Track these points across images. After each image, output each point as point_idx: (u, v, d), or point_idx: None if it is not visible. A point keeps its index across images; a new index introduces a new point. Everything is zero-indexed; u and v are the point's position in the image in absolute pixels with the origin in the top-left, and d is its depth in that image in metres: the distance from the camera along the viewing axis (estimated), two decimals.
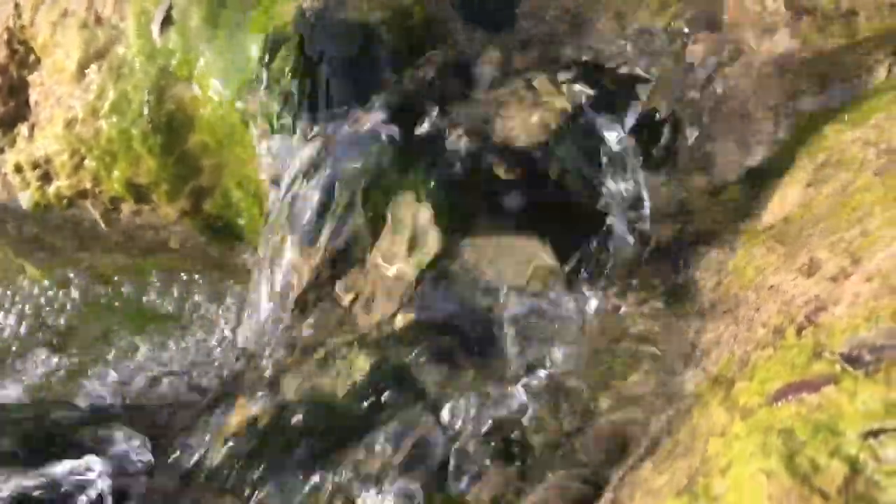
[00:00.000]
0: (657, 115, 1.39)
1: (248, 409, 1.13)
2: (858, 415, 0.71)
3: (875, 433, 0.69)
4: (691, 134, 1.40)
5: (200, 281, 1.45)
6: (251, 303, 1.23)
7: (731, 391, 0.88)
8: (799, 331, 0.87)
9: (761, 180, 1.30)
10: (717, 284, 1.13)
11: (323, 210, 1.20)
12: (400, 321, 1.22)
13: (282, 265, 1.19)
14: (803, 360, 0.81)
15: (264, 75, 1.38)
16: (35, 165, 1.50)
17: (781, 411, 0.77)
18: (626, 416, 1.04)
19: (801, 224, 1.11)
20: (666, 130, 1.39)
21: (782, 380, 0.81)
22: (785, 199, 1.20)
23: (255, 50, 1.39)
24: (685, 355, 1.04)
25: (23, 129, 1.54)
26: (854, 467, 0.69)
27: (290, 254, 1.19)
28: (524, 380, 1.04)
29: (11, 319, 1.39)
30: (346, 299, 1.28)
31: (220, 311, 1.37)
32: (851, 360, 0.75)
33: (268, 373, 1.17)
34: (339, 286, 1.21)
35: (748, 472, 0.73)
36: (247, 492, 1.06)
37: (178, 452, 1.14)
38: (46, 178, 1.51)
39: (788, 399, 0.78)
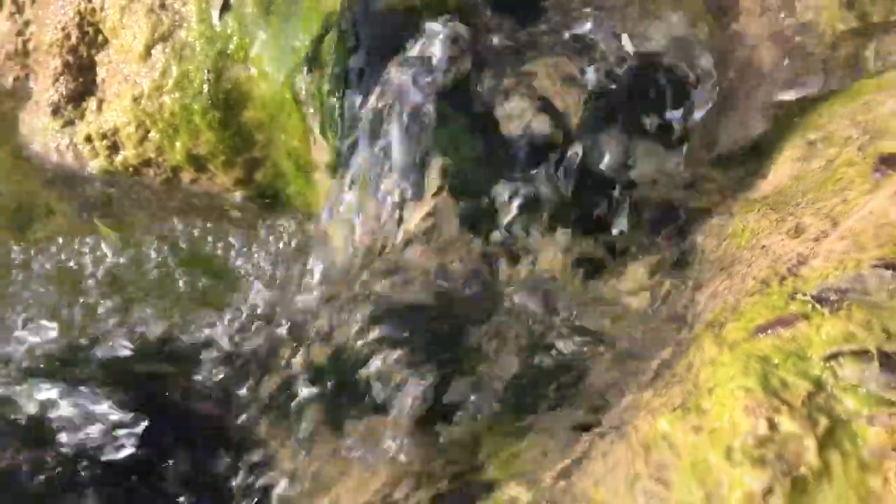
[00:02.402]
0: (674, 97, 1.53)
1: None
2: (822, 343, 0.86)
3: (835, 356, 0.83)
4: (702, 113, 1.54)
5: (254, 239, 1.61)
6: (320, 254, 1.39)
7: (722, 331, 1.02)
8: (781, 280, 1.02)
9: (760, 155, 1.44)
10: (717, 246, 1.28)
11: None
12: None
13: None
14: (782, 303, 0.95)
15: (313, 58, 1.54)
16: (104, 136, 1.67)
17: (761, 342, 0.91)
18: (631, 355, 1.19)
19: (792, 194, 1.25)
20: (681, 110, 1.53)
21: (763, 318, 0.95)
22: (779, 171, 1.34)
23: (305, 35, 1.54)
24: (688, 306, 1.19)
25: (91, 103, 1.70)
26: (817, 384, 0.84)
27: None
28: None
29: (90, 280, 1.56)
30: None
31: (278, 265, 1.54)
32: (820, 300, 0.90)
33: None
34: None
35: (729, 390, 0.88)
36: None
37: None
38: (114, 148, 1.68)
39: (767, 333, 0.92)
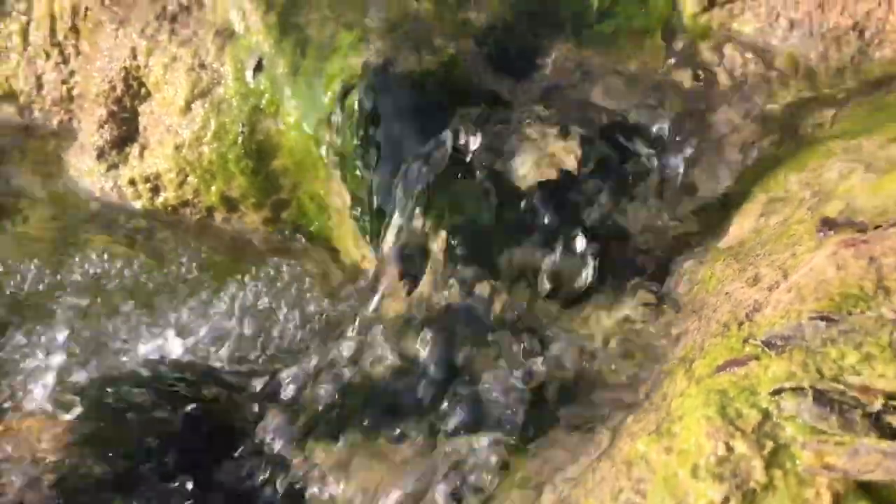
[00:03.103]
0: (651, 155, 1.74)
1: None
2: (769, 380, 1.06)
3: (778, 391, 1.04)
4: (677, 168, 1.75)
5: (282, 271, 1.81)
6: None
7: (691, 367, 1.23)
8: (739, 325, 1.22)
9: (728, 209, 1.65)
10: (689, 290, 1.48)
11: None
12: None
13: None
14: (738, 345, 1.16)
15: (337, 114, 1.73)
16: (147, 180, 1.86)
17: (721, 379, 1.12)
18: (619, 386, 1.39)
19: (752, 246, 1.46)
20: (658, 165, 1.74)
21: (723, 358, 1.15)
22: (742, 225, 1.55)
23: (329, 94, 1.74)
24: (664, 344, 1.39)
25: (134, 149, 1.89)
26: (764, 414, 1.04)
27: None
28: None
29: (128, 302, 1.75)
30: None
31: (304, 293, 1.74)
32: (768, 344, 1.10)
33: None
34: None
35: (695, 418, 1.08)
36: None
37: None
38: (156, 190, 1.87)
39: (726, 371, 1.13)
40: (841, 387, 1.02)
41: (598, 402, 1.40)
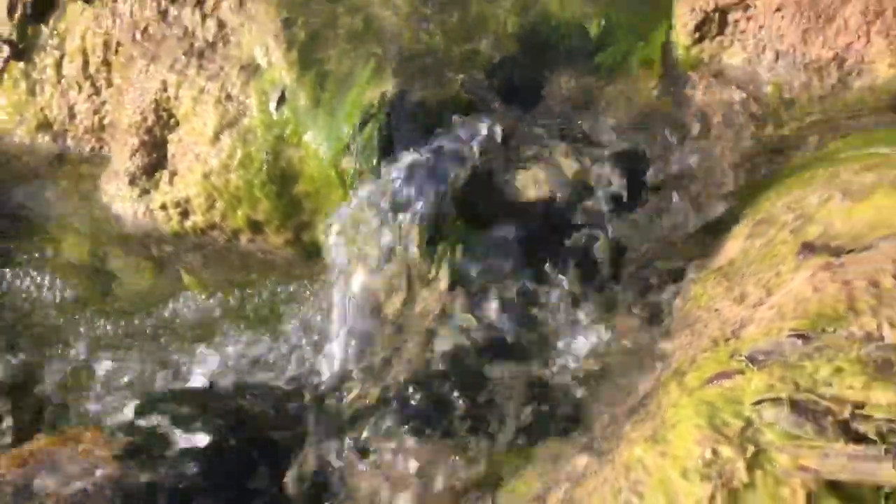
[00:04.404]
0: (650, 179, 1.87)
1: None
2: (752, 392, 1.19)
3: (760, 402, 1.17)
4: (675, 190, 1.88)
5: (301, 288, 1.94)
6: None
7: (684, 379, 1.35)
8: (726, 341, 1.35)
9: (720, 231, 1.77)
10: (683, 306, 1.61)
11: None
12: None
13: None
14: (725, 360, 1.28)
15: (355, 143, 1.86)
16: (177, 205, 1.99)
17: (710, 390, 1.25)
18: (620, 393, 1.52)
19: (740, 266, 1.59)
20: (657, 188, 1.87)
21: (712, 371, 1.28)
22: (732, 246, 1.68)
23: (348, 124, 1.87)
24: (661, 357, 1.52)
25: (164, 175, 2.02)
26: (747, 422, 1.17)
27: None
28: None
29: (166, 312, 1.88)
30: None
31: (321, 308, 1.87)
32: (751, 359, 1.23)
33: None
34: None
35: (686, 426, 1.20)
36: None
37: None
38: (185, 214, 1.99)
39: (714, 383, 1.25)
40: (815, 397, 1.15)
41: (600, 408, 1.53)
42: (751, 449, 1.15)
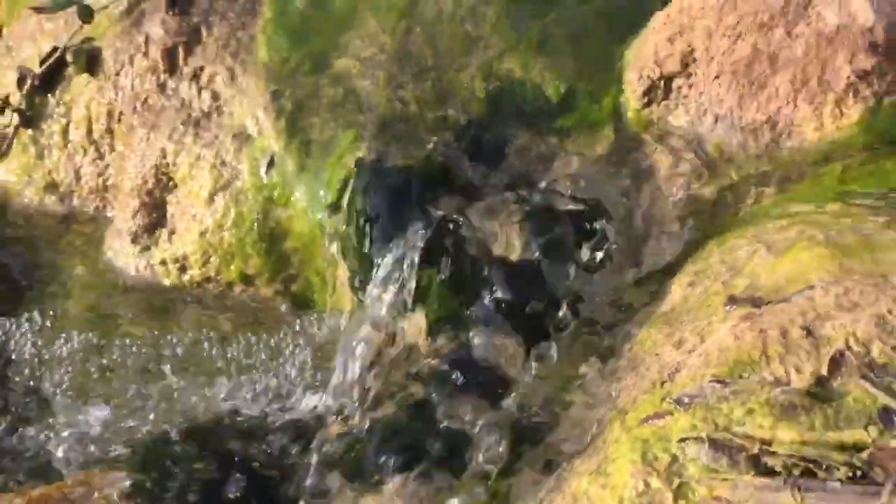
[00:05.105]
0: (601, 229, 2.07)
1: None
2: (678, 431, 1.38)
3: (684, 440, 1.35)
4: (627, 242, 2.07)
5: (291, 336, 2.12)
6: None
7: (625, 418, 1.54)
8: (662, 384, 1.54)
9: (666, 278, 1.96)
10: (629, 350, 1.79)
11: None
12: None
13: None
14: (659, 402, 1.47)
15: (337, 204, 2.05)
16: (176, 260, 2.18)
17: (645, 429, 1.43)
18: (573, 430, 1.70)
19: (681, 313, 1.77)
20: (606, 239, 2.06)
21: (648, 412, 1.47)
22: (675, 294, 1.86)
23: (329, 187, 2.06)
24: (607, 398, 1.70)
25: (163, 233, 2.21)
26: (674, 458, 1.35)
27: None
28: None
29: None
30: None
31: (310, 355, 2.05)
32: (679, 402, 1.42)
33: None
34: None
35: (624, 461, 1.39)
36: None
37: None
38: (183, 268, 2.18)
39: (649, 423, 1.44)
40: (730, 436, 1.34)
41: (556, 444, 1.72)
42: (676, 481, 1.33)
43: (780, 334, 1.45)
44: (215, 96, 2.19)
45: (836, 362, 1.37)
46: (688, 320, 1.72)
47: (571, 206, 2.06)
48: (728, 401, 1.39)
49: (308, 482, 1.69)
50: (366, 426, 1.82)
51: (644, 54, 2.12)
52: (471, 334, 1.90)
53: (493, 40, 2.25)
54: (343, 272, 2.07)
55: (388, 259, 2.00)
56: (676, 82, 2.11)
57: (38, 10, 2.32)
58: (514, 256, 2.00)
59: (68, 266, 2.29)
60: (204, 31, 2.24)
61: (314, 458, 1.75)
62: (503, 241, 2.03)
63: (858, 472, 1.26)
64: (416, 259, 1.97)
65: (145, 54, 2.25)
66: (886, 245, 1.63)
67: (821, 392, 1.36)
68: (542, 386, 1.82)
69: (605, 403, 1.69)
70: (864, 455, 1.25)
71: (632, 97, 2.16)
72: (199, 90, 2.20)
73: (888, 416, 1.29)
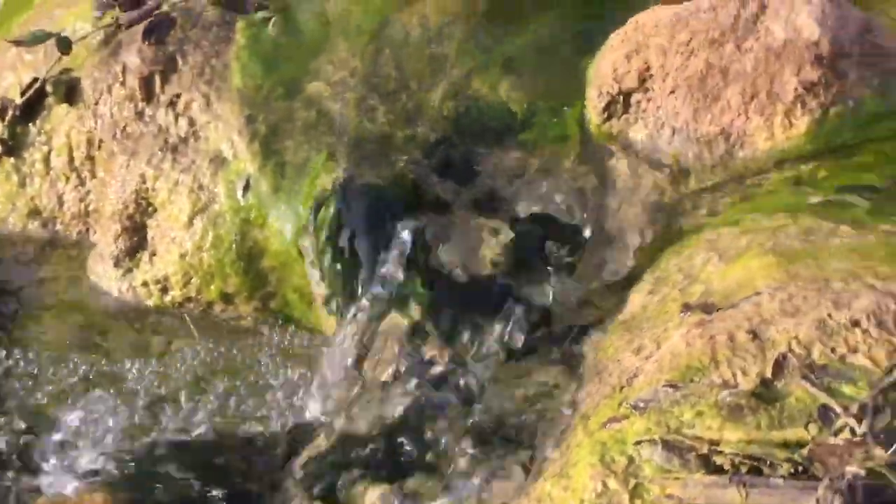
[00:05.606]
0: (568, 239, 2.15)
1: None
2: (634, 434, 1.46)
3: (639, 442, 1.44)
4: (591, 252, 2.16)
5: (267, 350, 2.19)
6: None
7: (588, 422, 1.62)
8: (621, 389, 1.62)
9: (629, 286, 2.05)
10: (594, 357, 1.88)
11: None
12: None
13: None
14: (617, 406, 1.55)
15: (311, 224, 2.13)
16: (157, 282, 2.24)
17: (604, 433, 1.52)
18: (540, 435, 1.79)
19: (641, 320, 1.86)
20: (573, 248, 2.15)
21: (607, 416, 1.55)
22: (636, 301, 1.95)
23: (304, 208, 2.14)
24: (572, 403, 1.79)
25: (145, 256, 2.28)
26: (630, 459, 1.44)
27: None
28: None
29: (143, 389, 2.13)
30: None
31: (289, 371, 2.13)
32: (635, 407, 1.50)
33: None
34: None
35: (584, 464, 1.47)
36: None
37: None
38: (164, 290, 2.25)
39: (608, 427, 1.52)
40: (681, 437, 1.42)
41: (527, 450, 1.80)
42: (633, 482, 1.42)
43: (729, 339, 1.54)
44: (192, 122, 2.26)
45: (780, 364, 1.46)
46: (647, 327, 1.81)
47: (539, 217, 2.15)
48: (680, 404, 1.47)
49: (287, 499, 1.77)
50: (343, 440, 1.90)
51: (603, 71, 2.21)
52: (445, 343, 1.99)
53: (460, 60, 2.33)
54: (320, 289, 2.14)
55: (364, 275, 2.09)
56: (635, 97, 2.20)
57: (17, 43, 2.38)
58: (485, 267, 2.09)
59: (53, 291, 2.35)
60: (179, 60, 2.31)
61: (294, 475, 1.83)
62: (474, 252, 2.11)
63: (800, 468, 1.35)
64: (392, 274, 2.06)
65: (123, 83, 2.32)
66: (830, 251, 1.72)
67: (765, 393, 1.45)
68: (513, 392, 1.91)
69: (572, 409, 1.78)
70: (805, 452, 1.35)
71: (593, 112, 2.24)
72: (176, 117, 2.27)
73: (826, 414, 1.38)
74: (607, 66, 2.22)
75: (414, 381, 1.96)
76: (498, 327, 2.01)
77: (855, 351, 1.45)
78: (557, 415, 1.80)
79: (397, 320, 1.98)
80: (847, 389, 1.41)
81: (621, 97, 2.22)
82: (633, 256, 2.08)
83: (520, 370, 1.97)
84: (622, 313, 1.94)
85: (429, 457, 1.85)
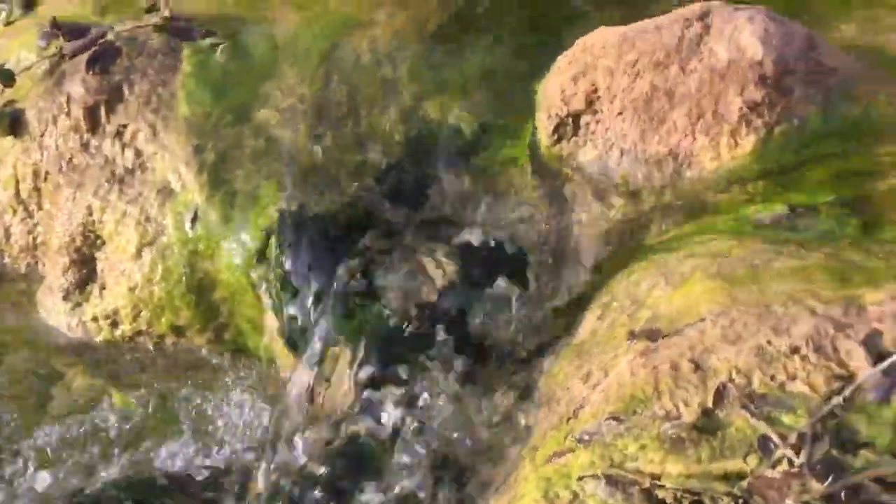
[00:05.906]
0: (518, 262, 2.15)
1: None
2: (578, 468, 1.46)
3: (582, 478, 1.44)
4: (542, 275, 2.16)
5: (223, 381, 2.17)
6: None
7: (535, 455, 1.62)
8: (568, 420, 1.62)
9: (580, 308, 2.06)
10: (544, 384, 1.88)
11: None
12: None
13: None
14: (562, 439, 1.55)
15: (260, 255, 2.11)
16: (107, 316, 2.21)
17: (549, 467, 1.51)
18: (491, 467, 1.78)
19: (590, 345, 1.86)
20: (528, 272, 2.15)
21: (553, 449, 1.55)
22: (586, 325, 1.95)
23: (253, 239, 2.12)
24: (523, 433, 1.78)
25: (94, 289, 2.25)
26: (574, 494, 1.44)
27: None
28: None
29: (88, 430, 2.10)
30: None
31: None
32: (580, 440, 1.50)
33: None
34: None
35: (529, 499, 1.47)
36: None
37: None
38: (114, 324, 2.22)
39: (553, 461, 1.52)
40: (623, 472, 1.43)
41: (475, 481, 1.79)
42: None
43: (671, 368, 1.55)
44: (138, 153, 2.24)
45: (720, 394, 1.47)
46: (596, 353, 1.81)
47: (489, 241, 2.15)
48: (623, 437, 1.47)
49: None
50: (299, 473, 1.89)
51: (551, 94, 2.21)
52: (393, 375, 1.98)
53: (411, 84, 2.32)
54: (272, 320, 2.13)
55: (313, 306, 2.08)
56: (584, 119, 2.21)
57: None
58: (435, 293, 2.08)
59: (1, 326, 2.32)
60: (125, 89, 2.28)
61: None
62: (425, 277, 2.11)
63: (740, 502, 1.35)
64: (338, 308, 2.05)
65: (68, 114, 2.29)
66: (772, 274, 1.73)
67: (707, 424, 1.45)
68: (462, 422, 1.90)
69: (522, 438, 1.78)
70: (744, 485, 1.35)
71: (543, 134, 2.25)
72: (123, 147, 2.24)
73: (766, 444, 1.39)
74: (555, 89, 2.22)
75: (362, 416, 1.96)
76: (445, 358, 2.01)
77: (794, 378, 1.46)
78: (509, 444, 1.81)
79: (345, 353, 1.97)
80: (786, 419, 1.41)
81: (570, 119, 2.22)
82: (584, 279, 2.09)
83: (470, 400, 1.96)
84: (574, 337, 1.95)
85: (380, 489, 1.85)
